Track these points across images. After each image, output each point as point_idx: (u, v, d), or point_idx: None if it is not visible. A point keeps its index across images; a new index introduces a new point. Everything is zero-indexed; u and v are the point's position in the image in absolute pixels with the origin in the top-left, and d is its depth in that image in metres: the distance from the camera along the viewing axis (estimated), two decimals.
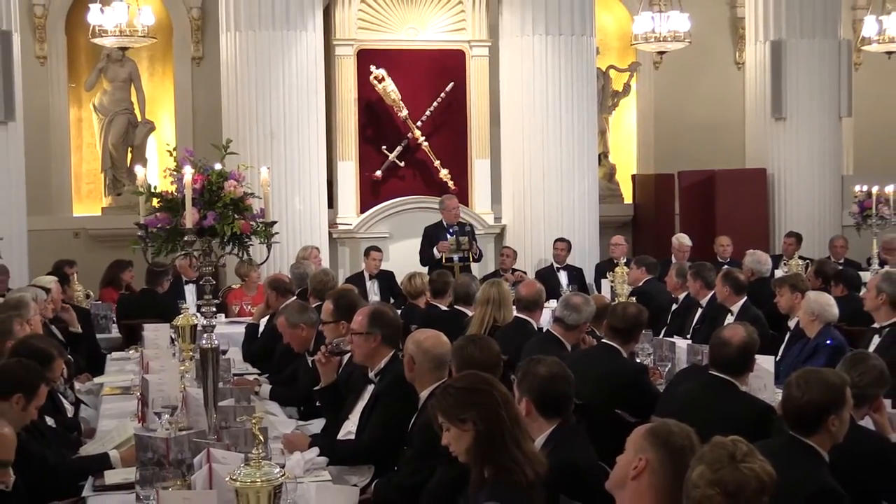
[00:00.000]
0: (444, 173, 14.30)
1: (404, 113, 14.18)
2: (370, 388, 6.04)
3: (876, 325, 7.56)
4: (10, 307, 7.66)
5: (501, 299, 8.45)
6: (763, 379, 6.42)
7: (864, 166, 17.21)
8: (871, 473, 4.77)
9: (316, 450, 5.62)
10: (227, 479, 3.54)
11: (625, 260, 11.60)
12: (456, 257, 12.19)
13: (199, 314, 5.54)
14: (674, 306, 10.38)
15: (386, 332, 6.08)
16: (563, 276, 13.11)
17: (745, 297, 9.18)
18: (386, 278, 12.46)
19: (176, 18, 15.71)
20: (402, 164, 14.32)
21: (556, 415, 4.75)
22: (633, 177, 16.98)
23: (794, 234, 13.91)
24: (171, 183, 5.24)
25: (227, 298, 11.56)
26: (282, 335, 7.97)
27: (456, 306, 9.57)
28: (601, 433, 5.46)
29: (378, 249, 12.67)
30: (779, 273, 11.39)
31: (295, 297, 9.11)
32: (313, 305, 8.20)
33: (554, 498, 4.25)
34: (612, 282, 11.19)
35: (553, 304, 8.92)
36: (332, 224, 13.89)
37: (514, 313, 8.40)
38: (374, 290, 12.23)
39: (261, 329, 9.26)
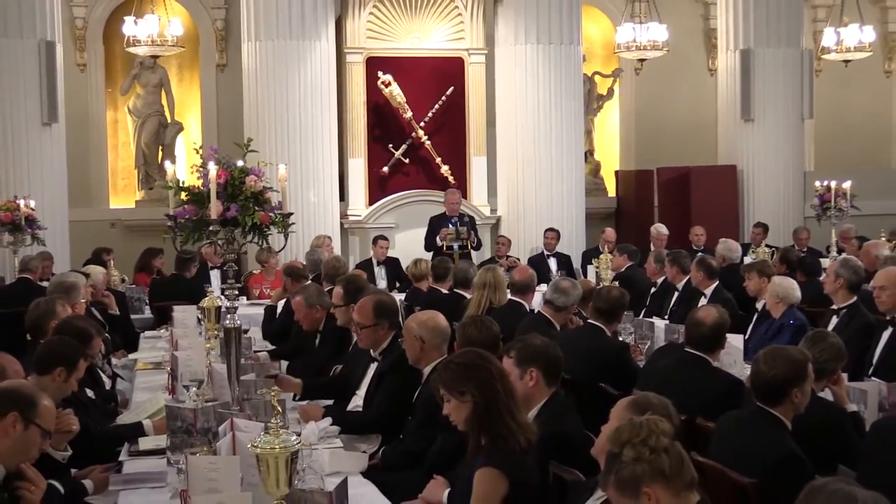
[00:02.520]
0: (444, 169, 14.28)
1: (409, 114, 14.15)
2: (373, 365, 6.04)
3: (834, 307, 7.55)
4: (62, 290, 7.64)
5: (496, 283, 8.44)
6: (733, 355, 6.43)
7: (824, 163, 17.19)
8: (830, 440, 4.78)
9: (329, 419, 5.62)
10: (248, 445, 3.54)
11: (609, 248, 11.60)
12: (456, 245, 12.18)
13: (223, 297, 5.54)
14: (653, 290, 10.37)
15: (391, 320, 6.09)
16: (552, 263, 13.10)
17: (717, 282, 9.18)
18: (392, 264, 12.47)
19: (202, 29, 15.71)
20: (407, 160, 14.30)
21: (556, 380, 4.76)
22: (616, 172, 16.97)
23: (762, 225, 13.90)
24: (198, 178, 5.24)
25: (248, 283, 11.56)
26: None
27: (456, 289, 9.57)
28: (587, 405, 5.47)
29: (385, 238, 12.67)
30: (747, 260, 11.40)
31: (310, 282, 9.10)
32: (326, 289, 8.19)
33: (545, 463, 4.26)
34: (597, 268, 11.20)
35: (544, 287, 8.90)
36: (343, 215, 13.87)
37: (509, 296, 8.41)
38: (381, 276, 12.23)
39: (278, 310, 9.26)
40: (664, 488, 3.10)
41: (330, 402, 6.34)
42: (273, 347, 8.46)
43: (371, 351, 6.09)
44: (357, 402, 6.02)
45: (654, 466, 3.11)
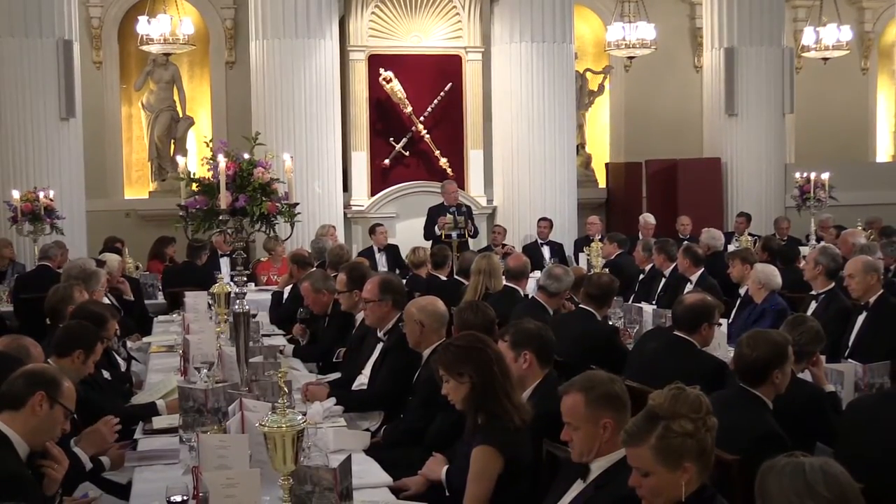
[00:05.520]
0: (443, 162, 14.27)
1: (409, 110, 14.14)
2: (379, 345, 6.05)
3: (813, 293, 7.56)
4: (83, 277, 7.63)
5: (491, 270, 8.42)
6: (717, 339, 6.42)
7: (804, 156, 17.18)
8: (809, 418, 4.78)
9: (333, 399, 5.63)
10: (257, 424, 3.54)
11: (599, 237, 11.59)
12: (454, 234, 12.15)
13: (232, 283, 5.52)
14: (641, 276, 10.37)
15: (396, 298, 6.08)
16: (546, 251, 13.09)
17: (703, 269, 9.18)
18: (392, 251, 12.44)
19: (212, 28, 15.67)
20: (407, 153, 14.28)
21: (548, 362, 4.76)
22: (607, 165, 16.95)
23: (745, 214, 13.90)
24: (208, 170, 5.22)
25: (256, 270, 11.54)
26: (303, 301, 7.96)
27: (456, 276, 9.56)
28: None
29: (381, 224, 12.64)
30: (731, 248, 11.39)
31: (316, 268, 9.10)
32: (331, 276, 8.18)
33: (538, 441, 4.26)
34: (588, 255, 11.20)
35: (537, 274, 8.89)
36: (347, 206, 13.86)
37: (504, 282, 8.40)
38: (382, 262, 12.20)
39: (285, 296, 9.26)
40: (698, 467, 3.11)
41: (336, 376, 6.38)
42: (281, 331, 8.45)
43: (377, 331, 6.09)
44: (362, 380, 6.03)
45: (701, 445, 3.12)
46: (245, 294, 5.32)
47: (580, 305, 7.28)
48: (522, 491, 4.11)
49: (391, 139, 14.21)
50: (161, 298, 10.79)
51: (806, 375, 5.24)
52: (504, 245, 12.95)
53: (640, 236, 12.48)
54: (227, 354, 5.61)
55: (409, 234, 13.15)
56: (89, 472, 4.58)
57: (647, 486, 3.11)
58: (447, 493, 4.42)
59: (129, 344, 7.97)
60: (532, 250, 12.56)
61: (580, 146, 16.29)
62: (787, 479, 2.64)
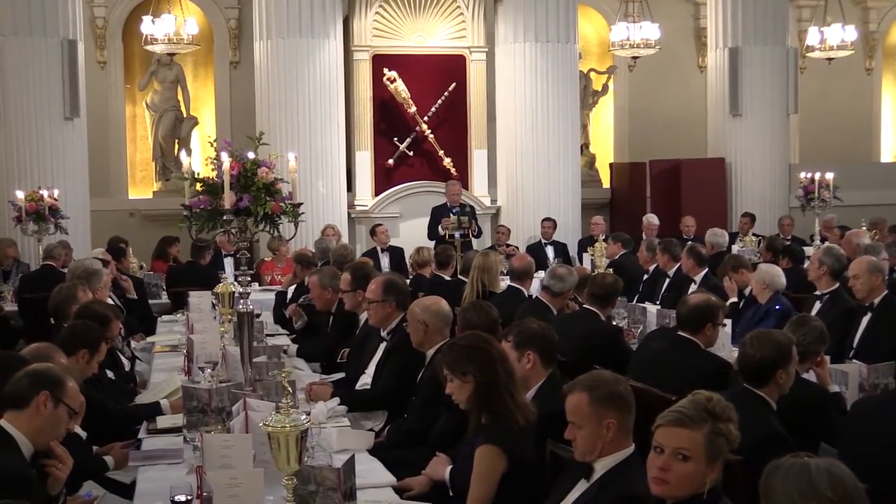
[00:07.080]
0: (447, 162, 14.27)
1: (413, 109, 14.14)
2: (383, 345, 6.05)
3: (818, 293, 7.54)
4: (84, 276, 7.64)
5: (485, 266, 8.43)
6: (721, 339, 6.41)
7: (808, 156, 17.16)
8: (813, 419, 4.77)
9: (337, 399, 5.63)
10: (260, 424, 3.54)
11: (603, 237, 11.57)
12: (457, 234, 12.14)
13: (236, 283, 5.52)
14: (645, 276, 10.36)
15: (399, 299, 6.08)
16: (549, 251, 13.09)
17: (707, 269, 9.16)
18: (396, 252, 12.42)
19: (216, 28, 15.69)
20: (411, 153, 14.29)
21: (552, 362, 4.76)
22: (611, 165, 16.95)
23: (749, 215, 13.88)
24: (212, 170, 5.22)
25: (260, 269, 11.55)
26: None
27: (460, 276, 9.56)
28: None
29: (381, 224, 12.64)
30: (735, 248, 11.36)
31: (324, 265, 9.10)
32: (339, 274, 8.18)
33: (541, 441, 4.26)
34: (592, 255, 11.18)
35: (541, 274, 8.89)
36: (351, 205, 13.87)
37: (508, 283, 8.40)
38: (386, 263, 12.17)
39: (289, 296, 9.26)
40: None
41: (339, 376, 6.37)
42: (285, 331, 8.46)
43: (381, 331, 6.09)
44: (365, 380, 6.03)
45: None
46: (249, 294, 5.32)
47: (584, 305, 7.27)
48: (526, 490, 4.11)
49: (395, 139, 14.21)
50: (165, 298, 10.79)
51: (810, 376, 5.24)
52: (508, 245, 12.94)
53: (644, 236, 12.48)
54: (231, 354, 5.61)
55: (412, 234, 13.15)
56: (92, 471, 4.58)
57: (680, 471, 3.13)
58: (451, 493, 4.42)
59: (132, 343, 7.98)
60: (536, 250, 12.55)
61: (584, 146, 16.29)
62: (791, 478, 2.65)
